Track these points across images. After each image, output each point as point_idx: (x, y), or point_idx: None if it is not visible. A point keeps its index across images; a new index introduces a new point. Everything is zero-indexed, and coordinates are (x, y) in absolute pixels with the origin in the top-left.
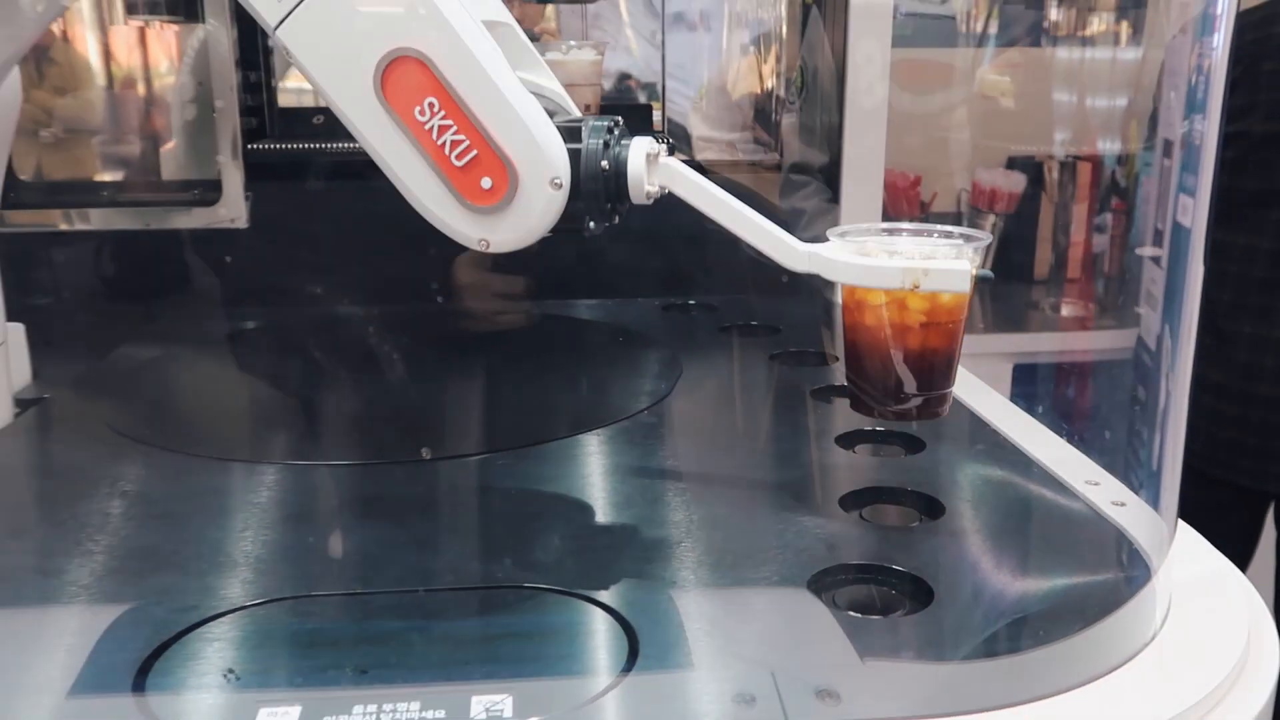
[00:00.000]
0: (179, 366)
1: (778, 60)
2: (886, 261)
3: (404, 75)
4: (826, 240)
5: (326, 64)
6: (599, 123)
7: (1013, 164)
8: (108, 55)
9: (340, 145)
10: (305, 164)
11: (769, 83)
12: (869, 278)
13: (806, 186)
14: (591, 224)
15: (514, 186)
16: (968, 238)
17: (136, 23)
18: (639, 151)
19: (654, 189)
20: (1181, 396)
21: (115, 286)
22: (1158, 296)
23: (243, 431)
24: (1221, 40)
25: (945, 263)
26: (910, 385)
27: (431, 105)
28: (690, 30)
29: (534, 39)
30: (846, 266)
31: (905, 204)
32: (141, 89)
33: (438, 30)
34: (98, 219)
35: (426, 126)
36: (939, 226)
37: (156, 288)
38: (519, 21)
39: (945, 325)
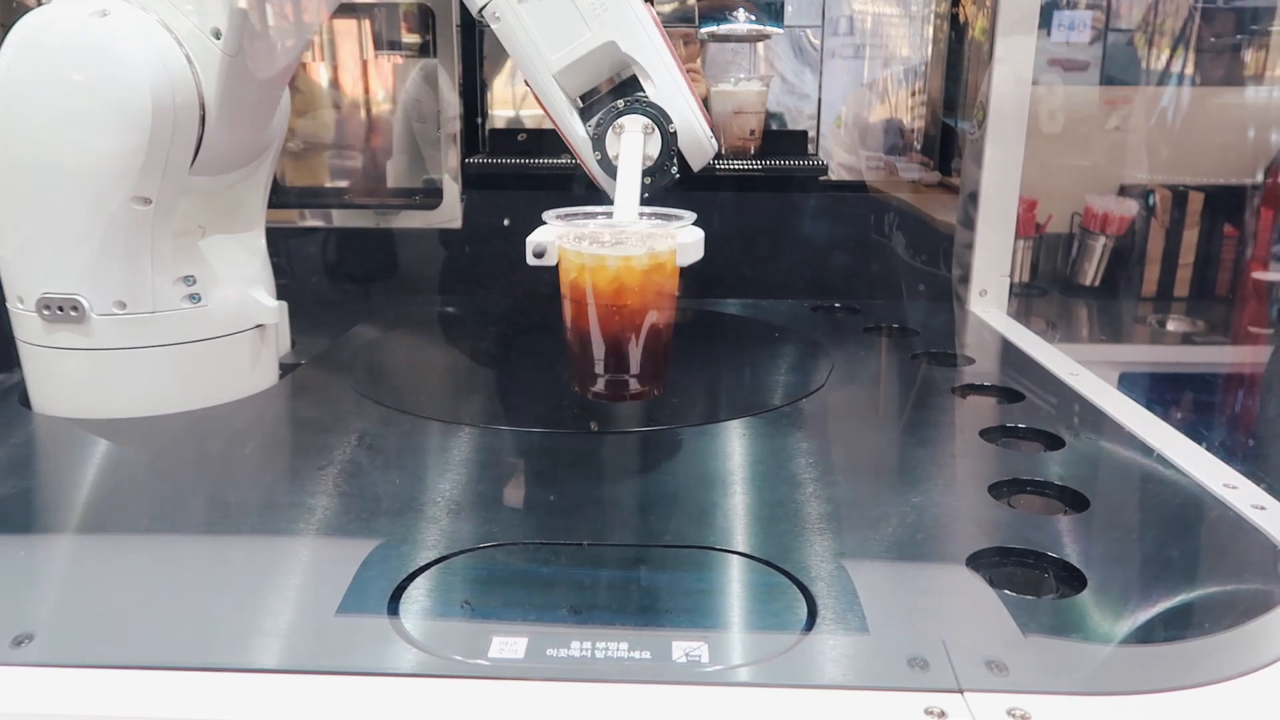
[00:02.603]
0: (405, 342)
1: (922, 91)
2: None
3: None
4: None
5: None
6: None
7: (1124, 191)
8: (354, 82)
9: (540, 160)
10: (511, 176)
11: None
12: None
13: None
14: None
15: None
16: (669, 217)
17: (382, 56)
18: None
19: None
20: None
21: (348, 275)
22: None
23: (456, 398)
24: None
25: (684, 233)
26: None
27: None
28: (840, 62)
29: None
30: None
31: (1021, 225)
32: (376, 110)
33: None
34: (338, 218)
35: None
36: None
37: (383, 277)
38: None
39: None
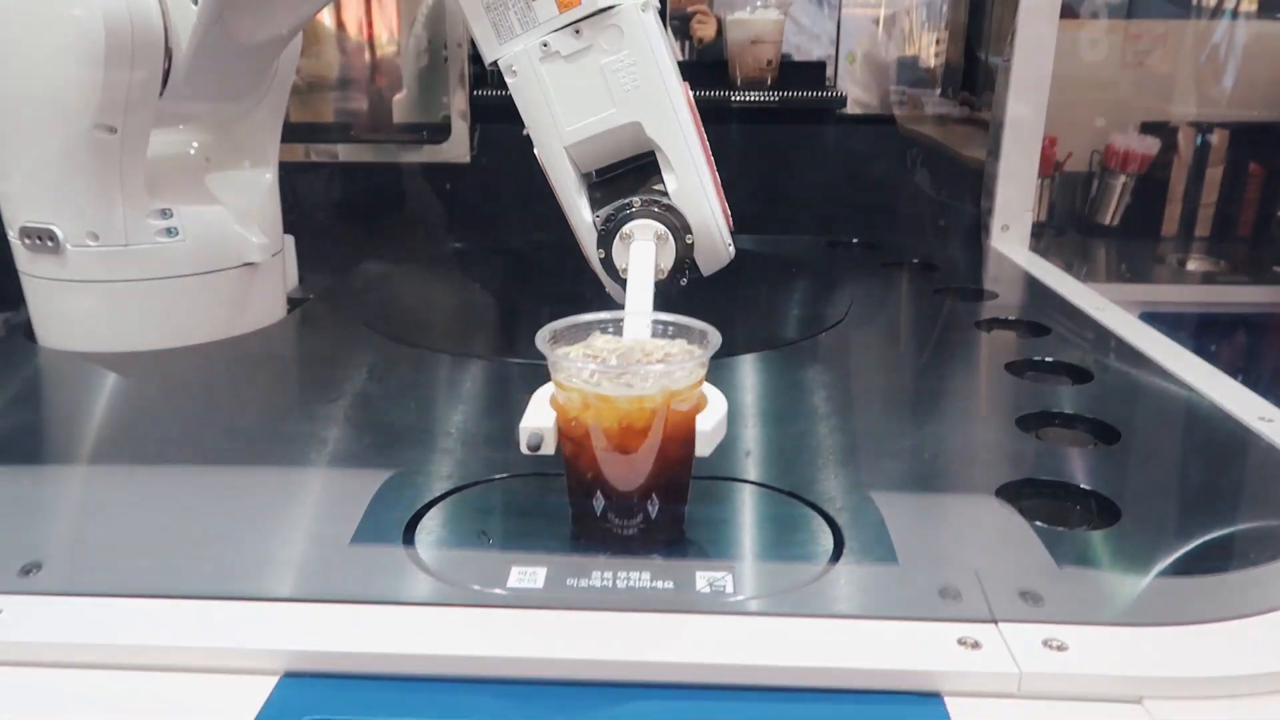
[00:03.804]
0: (414, 277)
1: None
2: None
3: None
4: None
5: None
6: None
7: (1147, 129)
8: (360, 15)
9: None
10: None
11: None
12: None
13: None
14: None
15: None
16: (689, 333)
17: None
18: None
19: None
20: None
21: (355, 211)
22: None
23: (467, 332)
24: None
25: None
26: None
27: None
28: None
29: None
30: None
31: (1041, 163)
32: (381, 46)
33: None
34: (344, 154)
35: None
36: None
37: (391, 213)
38: None
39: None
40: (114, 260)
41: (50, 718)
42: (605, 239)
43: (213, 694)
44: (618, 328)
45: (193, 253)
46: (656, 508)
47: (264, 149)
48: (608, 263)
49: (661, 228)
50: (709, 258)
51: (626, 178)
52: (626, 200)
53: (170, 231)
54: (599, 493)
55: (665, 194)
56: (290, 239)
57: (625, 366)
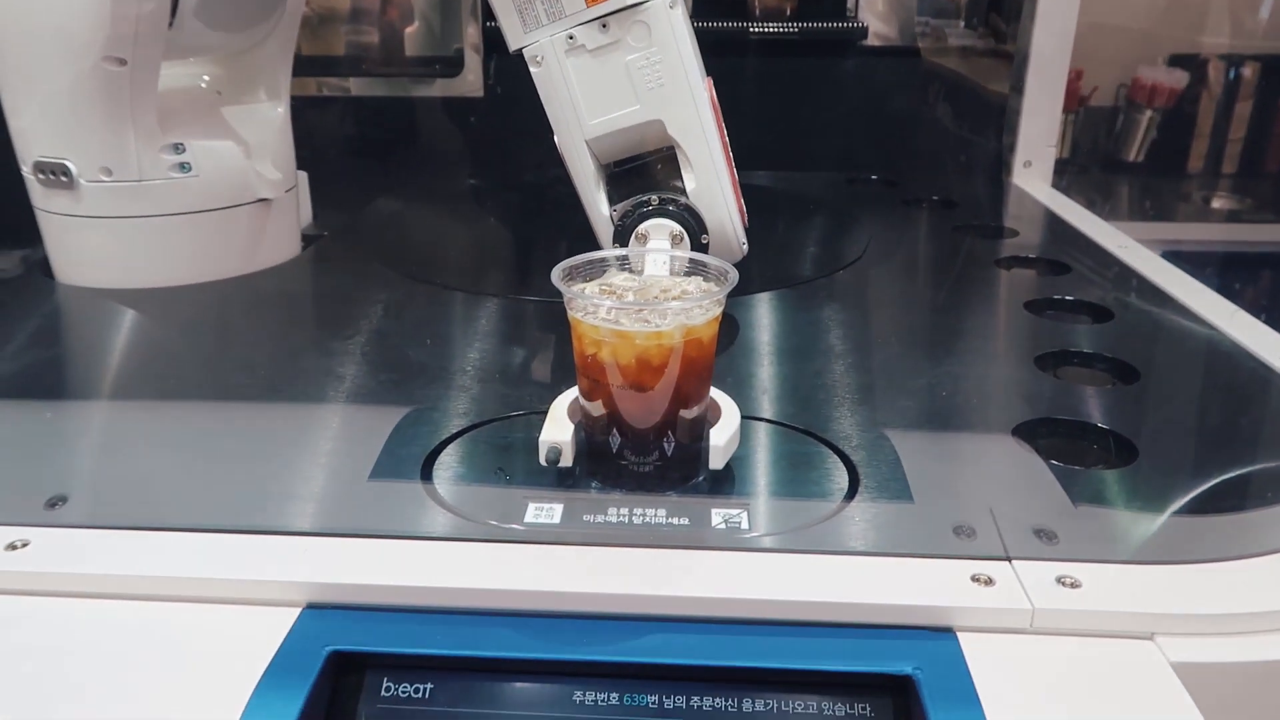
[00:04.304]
0: (428, 213)
1: None
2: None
3: None
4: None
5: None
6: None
7: (1175, 61)
8: None
9: None
10: None
11: None
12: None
13: None
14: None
15: None
16: (706, 270)
17: None
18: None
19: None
20: None
21: (368, 147)
22: None
23: (483, 269)
24: None
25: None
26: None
27: None
28: None
29: None
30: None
31: (1065, 98)
32: None
33: None
34: (356, 88)
35: None
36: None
37: (404, 148)
38: None
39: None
40: (127, 196)
41: (77, 647)
42: (621, 234)
43: (237, 624)
44: (634, 265)
45: (206, 189)
46: (673, 445)
47: (275, 82)
48: (623, 256)
49: (677, 228)
50: (722, 254)
51: (645, 170)
52: (645, 197)
53: (183, 167)
54: (615, 430)
55: (683, 192)
56: (304, 175)
57: (643, 303)
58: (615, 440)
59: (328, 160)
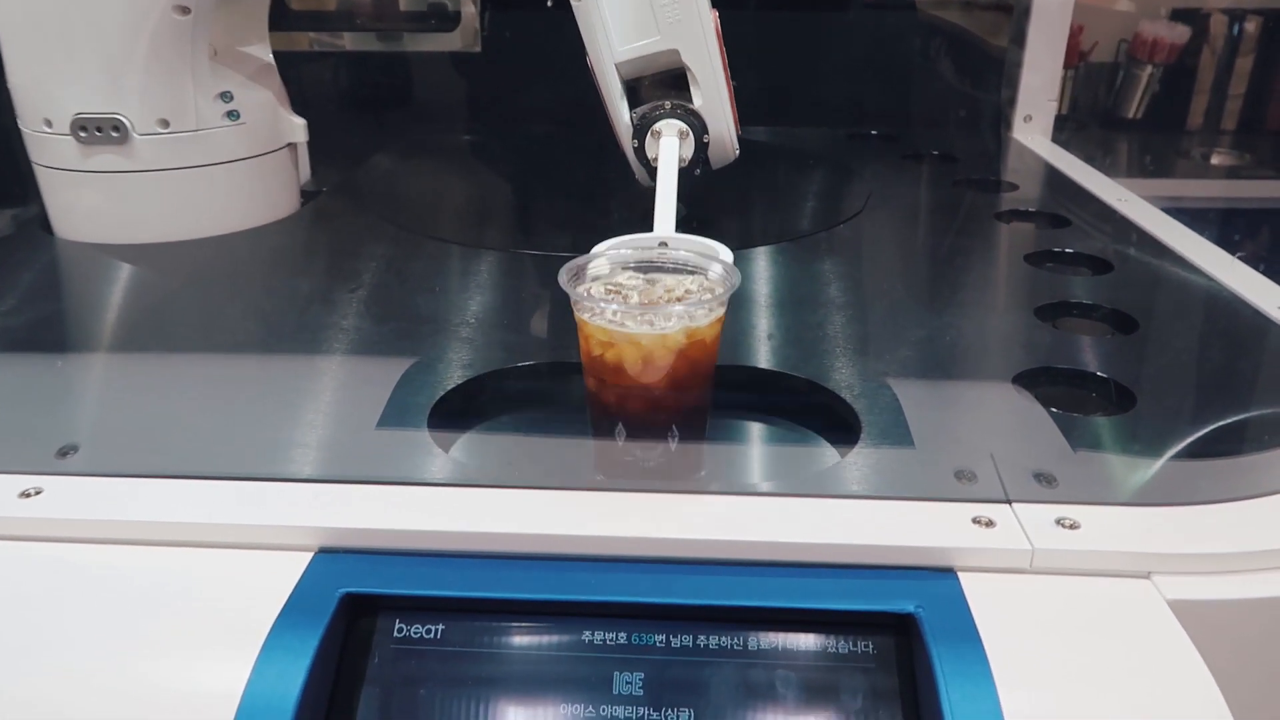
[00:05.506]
0: (427, 168)
1: None
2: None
3: None
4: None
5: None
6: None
7: (1177, 15)
8: None
9: None
10: None
11: None
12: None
13: None
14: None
15: None
16: (710, 268)
17: None
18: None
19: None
20: None
21: (363, 102)
22: None
23: (483, 224)
24: None
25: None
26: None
27: None
28: None
29: None
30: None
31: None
32: None
33: None
34: (350, 42)
35: None
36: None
37: (399, 104)
38: None
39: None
40: (181, 147)
41: (92, 592)
42: (639, 132)
43: (251, 569)
44: (638, 265)
45: (251, 135)
46: (676, 440)
47: (259, 31)
48: (640, 153)
49: (684, 126)
50: (718, 156)
51: (660, 84)
52: (659, 103)
53: (233, 115)
54: (620, 426)
55: (690, 103)
56: (305, 122)
57: (648, 306)
58: (621, 436)
59: (324, 117)
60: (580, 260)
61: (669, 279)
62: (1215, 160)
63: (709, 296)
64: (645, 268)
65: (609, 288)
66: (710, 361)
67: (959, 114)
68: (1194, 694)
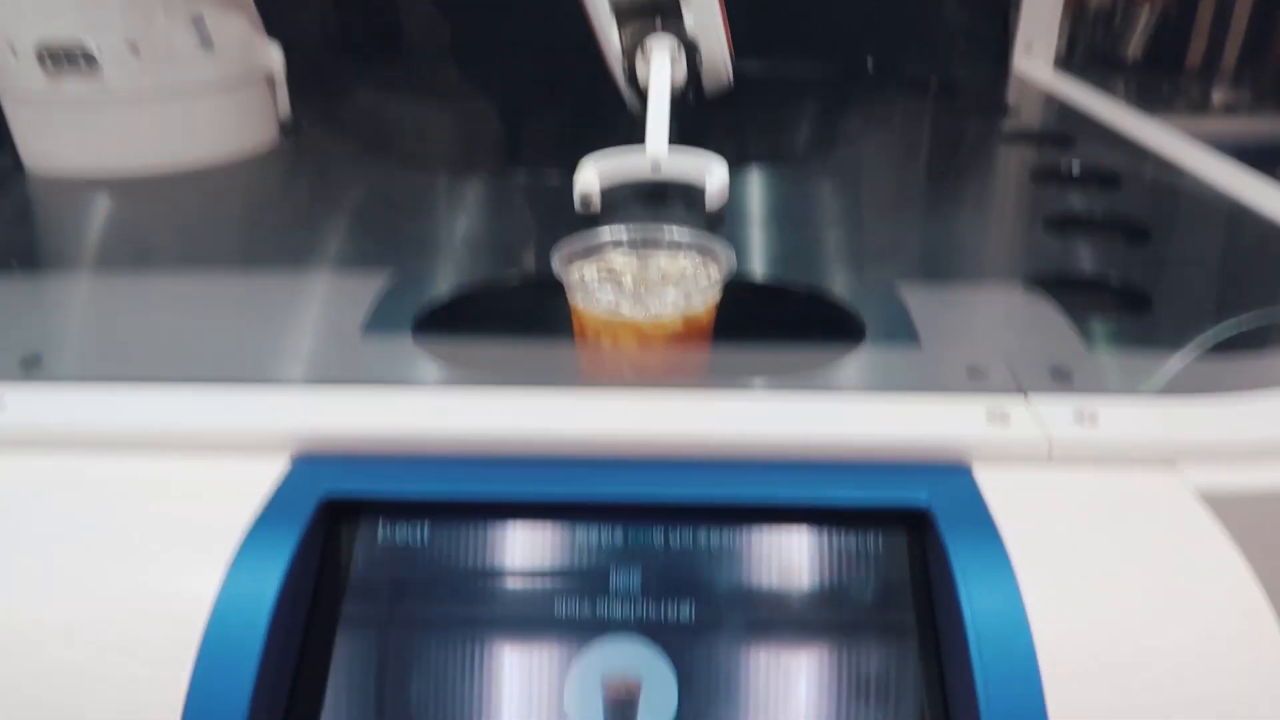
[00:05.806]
0: (408, 101)
1: None
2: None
3: None
4: None
5: None
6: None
7: None
8: None
9: None
10: None
11: None
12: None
13: None
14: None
15: None
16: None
17: None
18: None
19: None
20: None
21: (341, 37)
22: None
23: (466, 152)
24: None
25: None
26: None
27: None
28: None
29: None
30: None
31: None
32: None
33: None
34: None
35: None
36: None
37: (380, 38)
38: None
39: None
40: (152, 73)
41: (63, 502)
42: (630, 52)
43: (228, 473)
44: (630, 245)
45: (225, 63)
46: None
47: None
48: (632, 78)
49: (676, 42)
50: (712, 80)
51: (650, 12)
52: (650, 21)
53: (205, 42)
54: None
55: (683, 27)
56: (278, 54)
57: (643, 293)
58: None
59: (298, 53)
60: (573, 242)
61: (663, 258)
62: (1216, 98)
63: (705, 281)
64: (639, 244)
65: (601, 270)
66: (706, 342)
67: (960, 43)
68: (1226, 581)
